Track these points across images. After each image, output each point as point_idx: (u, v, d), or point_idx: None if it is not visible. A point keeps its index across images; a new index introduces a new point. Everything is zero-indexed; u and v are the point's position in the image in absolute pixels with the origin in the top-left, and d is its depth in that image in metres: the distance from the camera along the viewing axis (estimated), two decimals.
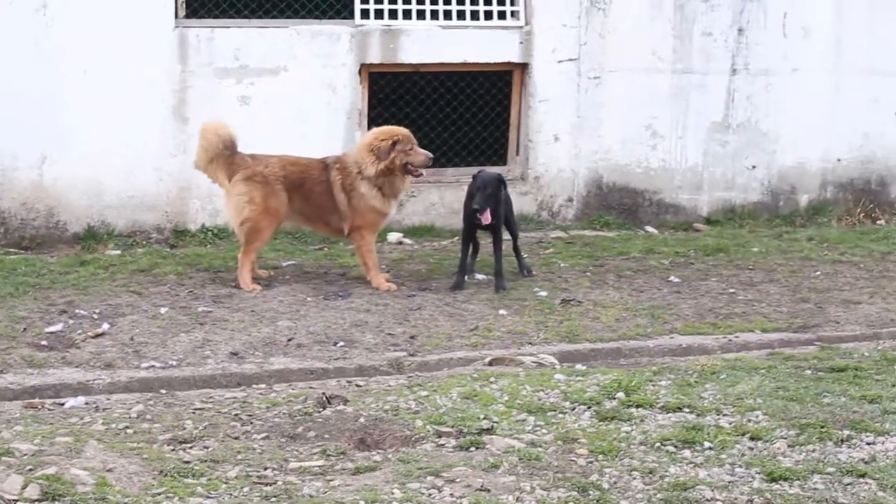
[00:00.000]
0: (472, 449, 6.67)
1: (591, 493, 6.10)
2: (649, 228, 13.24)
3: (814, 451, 6.73)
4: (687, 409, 7.36)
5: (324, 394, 7.62)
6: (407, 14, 12.58)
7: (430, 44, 12.59)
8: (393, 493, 6.04)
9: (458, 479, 6.20)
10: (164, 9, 11.77)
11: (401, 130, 10.51)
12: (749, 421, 7.18)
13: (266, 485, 6.14)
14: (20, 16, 11.38)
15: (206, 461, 6.46)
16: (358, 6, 12.41)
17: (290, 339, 8.96)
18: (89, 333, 8.88)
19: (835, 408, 7.40)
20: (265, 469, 6.40)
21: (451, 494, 6.05)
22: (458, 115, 13.33)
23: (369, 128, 11.76)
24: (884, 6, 13.94)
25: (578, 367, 8.53)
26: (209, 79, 11.94)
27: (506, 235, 10.73)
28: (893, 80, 14.01)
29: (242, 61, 12.01)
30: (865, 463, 6.56)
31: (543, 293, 10.33)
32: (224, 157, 10.26)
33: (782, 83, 13.68)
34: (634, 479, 6.32)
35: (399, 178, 10.44)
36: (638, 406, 7.41)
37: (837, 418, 7.19)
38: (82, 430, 6.96)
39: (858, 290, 10.74)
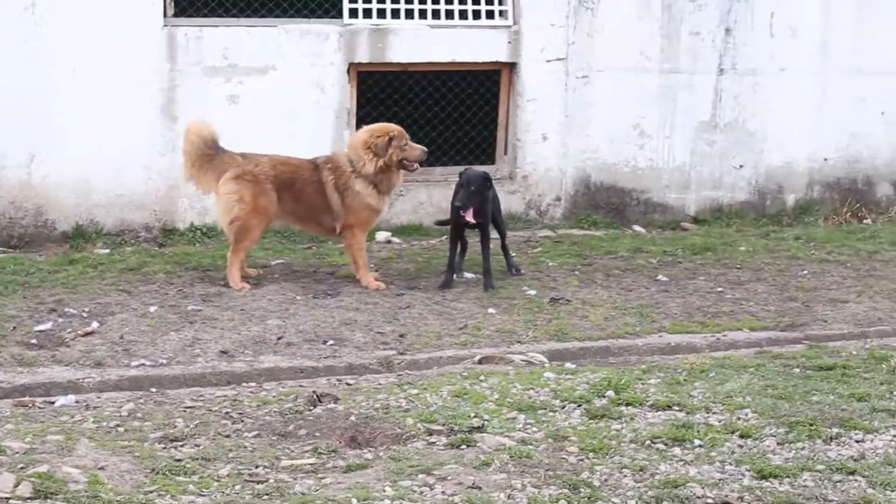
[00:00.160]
0: (463, 447, 6.68)
1: (582, 490, 6.12)
2: (637, 227, 13.27)
3: (803, 448, 6.76)
4: (676, 408, 7.39)
5: (314, 392, 7.62)
6: (395, 13, 12.57)
7: (418, 43, 12.59)
8: (385, 491, 6.05)
9: (449, 477, 6.21)
10: (152, 7, 11.75)
11: (394, 126, 10.55)
12: (738, 419, 7.21)
13: (258, 483, 6.14)
14: (8, 15, 11.36)
15: (197, 459, 6.46)
16: (346, 5, 12.41)
17: (279, 338, 8.96)
18: (79, 332, 8.87)
19: (823, 406, 7.43)
20: (257, 467, 6.40)
21: (443, 492, 6.06)
22: (446, 114, 13.31)
23: (358, 127, 11.78)
24: (871, 7, 13.97)
25: (568, 365, 8.55)
26: (198, 77, 11.92)
27: (494, 234, 10.75)
28: (881, 81, 14.04)
29: (231, 60, 12.00)
30: (855, 460, 6.59)
31: (532, 292, 10.35)
32: (208, 158, 10.24)
33: (770, 83, 13.71)
34: (625, 476, 6.34)
35: (395, 174, 10.49)
36: (628, 404, 7.43)
37: (826, 416, 7.22)
38: (73, 428, 6.95)
39: (846, 289, 10.78)
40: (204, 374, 8.23)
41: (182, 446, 6.70)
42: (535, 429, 7.01)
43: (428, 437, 6.85)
